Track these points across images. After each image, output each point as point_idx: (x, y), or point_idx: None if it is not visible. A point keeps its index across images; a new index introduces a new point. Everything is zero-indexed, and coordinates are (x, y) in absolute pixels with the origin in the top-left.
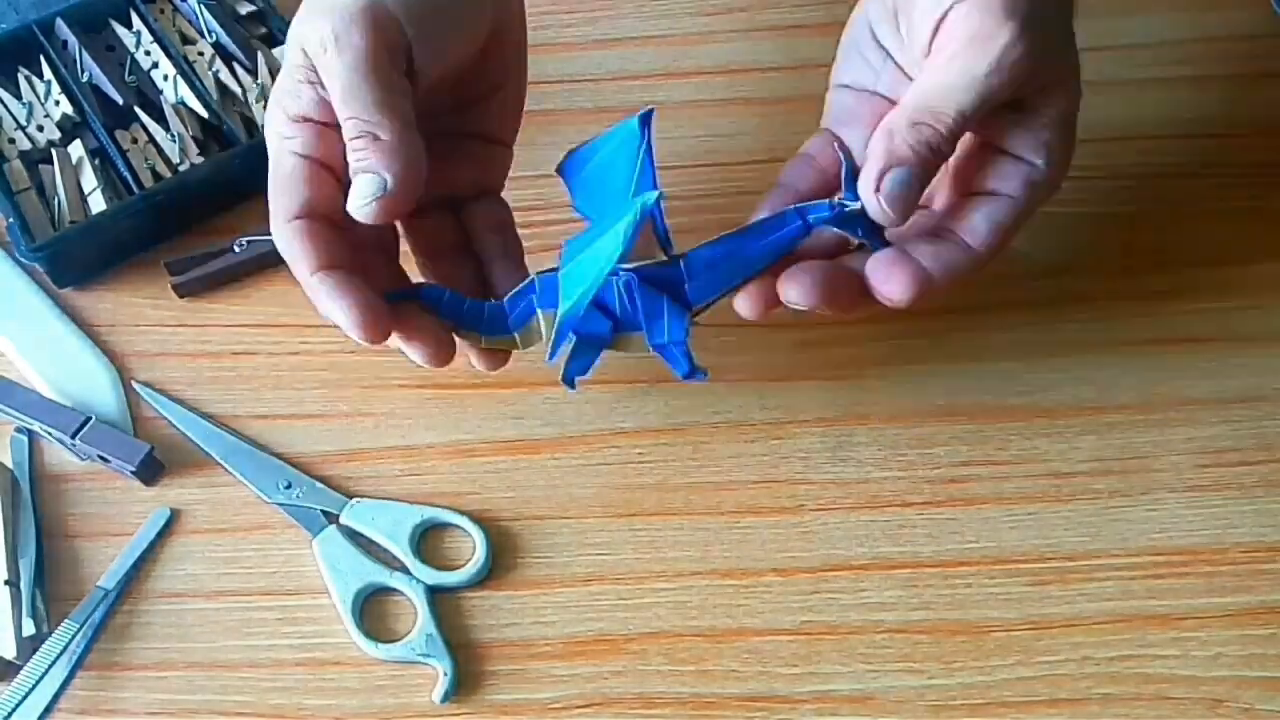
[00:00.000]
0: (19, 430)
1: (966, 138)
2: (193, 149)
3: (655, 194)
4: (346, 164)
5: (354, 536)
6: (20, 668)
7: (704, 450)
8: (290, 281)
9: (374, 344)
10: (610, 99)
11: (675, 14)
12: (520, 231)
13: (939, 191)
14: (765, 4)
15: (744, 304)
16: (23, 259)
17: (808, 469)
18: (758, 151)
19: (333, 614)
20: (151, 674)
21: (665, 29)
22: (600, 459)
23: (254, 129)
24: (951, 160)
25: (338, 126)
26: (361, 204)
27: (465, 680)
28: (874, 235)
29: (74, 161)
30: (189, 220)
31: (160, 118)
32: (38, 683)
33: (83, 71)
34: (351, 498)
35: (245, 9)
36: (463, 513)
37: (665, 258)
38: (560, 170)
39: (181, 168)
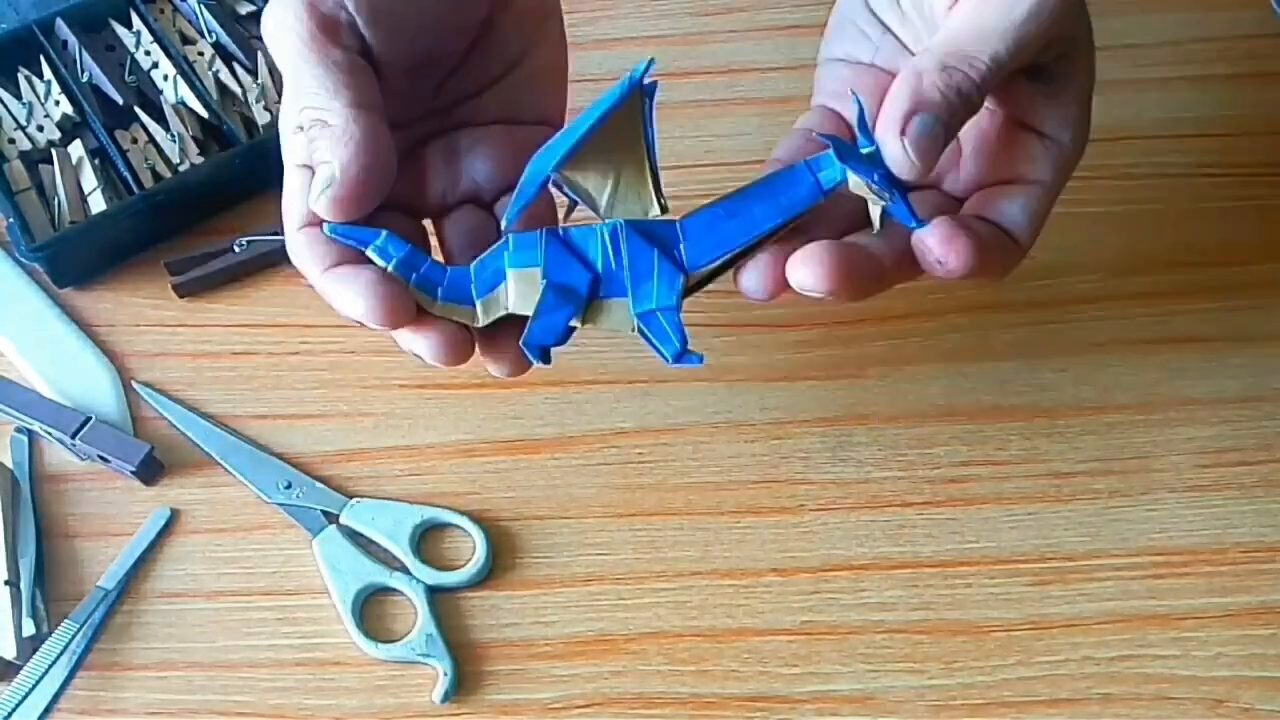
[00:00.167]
0: (19, 430)
1: (991, 116)
2: (193, 149)
3: (647, 61)
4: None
5: (354, 536)
6: (20, 668)
7: (704, 450)
8: (290, 281)
9: (397, 327)
10: None
11: (675, 14)
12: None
13: (949, 171)
14: (765, 4)
15: (752, 280)
16: (23, 259)
17: (808, 469)
18: (758, 151)
19: (333, 614)
20: (151, 674)
21: (665, 29)
22: (600, 459)
23: (254, 129)
24: (975, 140)
25: None
26: (313, 198)
27: (465, 680)
28: (891, 185)
29: (74, 161)
30: (189, 220)
31: (160, 118)
32: (38, 683)
33: (83, 71)
34: (351, 498)
35: (245, 9)
36: (463, 513)
37: (659, 214)
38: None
39: (181, 168)
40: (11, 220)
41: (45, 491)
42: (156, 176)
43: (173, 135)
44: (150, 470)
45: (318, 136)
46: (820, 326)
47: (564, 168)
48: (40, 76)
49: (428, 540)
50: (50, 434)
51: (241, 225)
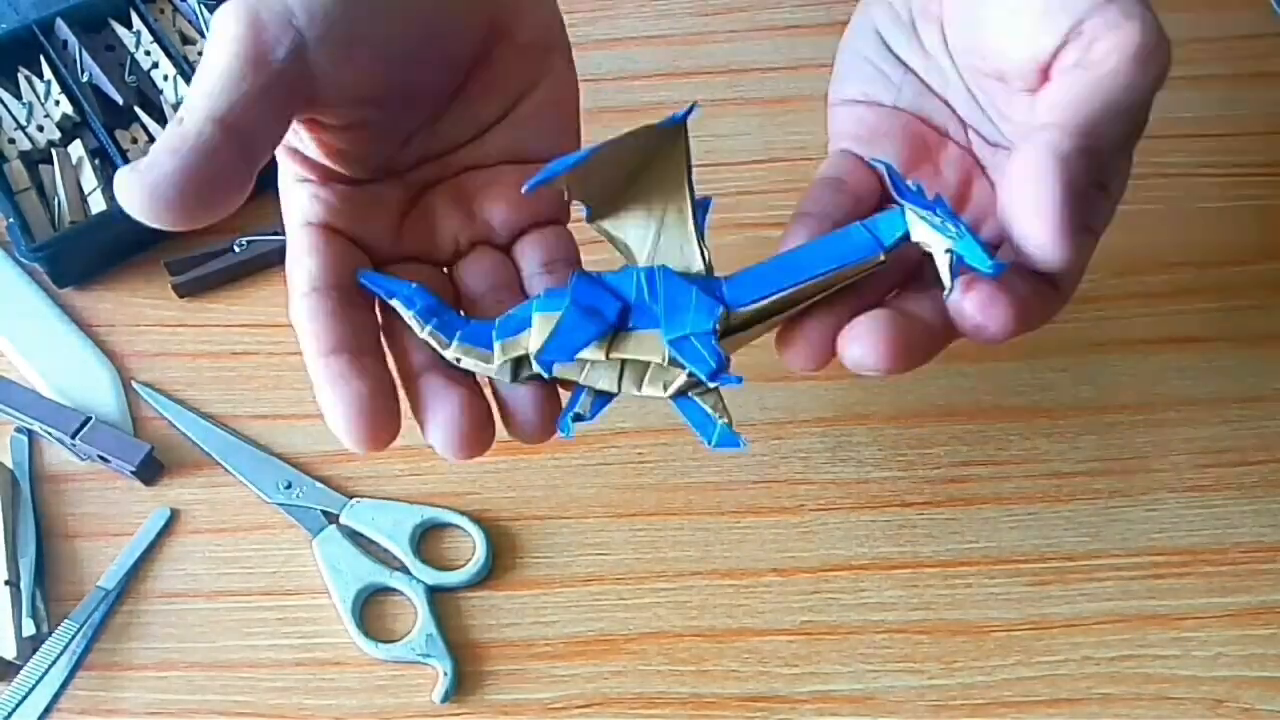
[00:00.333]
0: (19, 430)
1: None
2: None
3: (690, 108)
4: (356, 221)
5: (354, 536)
6: (20, 668)
7: (704, 450)
8: None
9: (376, 449)
10: (610, 99)
11: (675, 14)
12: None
13: (988, 218)
14: (765, 4)
15: (796, 354)
16: (23, 259)
17: (808, 469)
18: (758, 151)
19: (333, 614)
20: (151, 674)
21: (665, 29)
22: (600, 459)
23: None
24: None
25: (348, 182)
26: (128, 171)
27: (465, 680)
28: (957, 220)
29: (74, 161)
30: None
31: (160, 118)
32: (38, 683)
33: (83, 71)
34: (351, 498)
35: None
36: (463, 513)
37: (702, 269)
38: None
39: None
40: (11, 220)
41: (45, 491)
42: None
43: None
44: (150, 470)
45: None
46: None
47: (591, 160)
48: (40, 76)
49: (428, 540)
50: (50, 434)
51: (241, 225)
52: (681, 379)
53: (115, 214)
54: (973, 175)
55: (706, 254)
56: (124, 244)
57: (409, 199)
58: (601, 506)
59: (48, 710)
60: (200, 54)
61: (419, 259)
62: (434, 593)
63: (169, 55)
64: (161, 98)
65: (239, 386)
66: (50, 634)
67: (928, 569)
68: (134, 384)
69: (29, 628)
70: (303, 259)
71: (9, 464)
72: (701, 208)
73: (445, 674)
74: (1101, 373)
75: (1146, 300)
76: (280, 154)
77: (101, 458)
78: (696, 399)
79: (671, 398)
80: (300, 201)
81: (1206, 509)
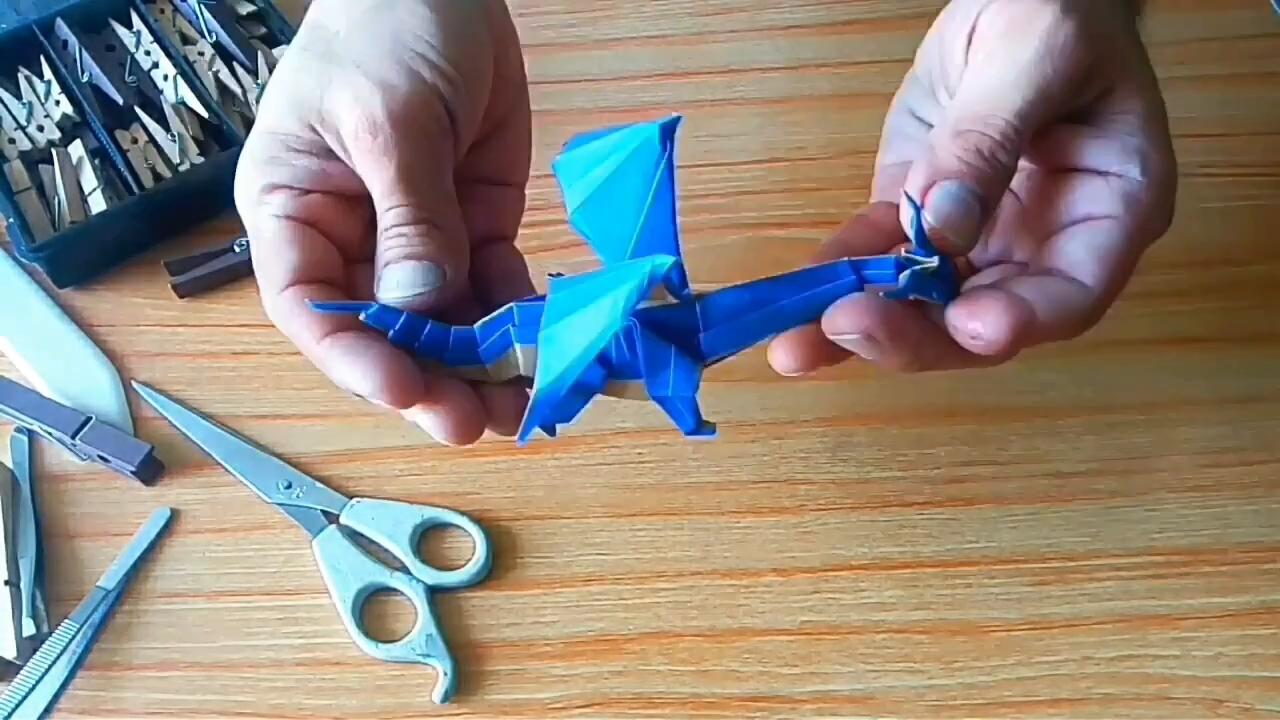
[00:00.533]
0: (19, 430)
1: (1035, 172)
2: (193, 149)
3: (670, 261)
4: (333, 221)
5: (354, 536)
6: (20, 668)
7: (704, 450)
8: None
9: (405, 408)
10: (610, 99)
11: (675, 14)
12: (521, 232)
13: (1020, 239)
14: (765, 4)
15: (782, 357)
16: (23, 259)
17: (808, 469)
18: (758, 151)
19: (333, 614)
20: (151, 674)
21: (665, 29)
22: (600, 459)
23: None
24: (1025, 201)
25: (327, 192)
26: (414, 293)
27: (465, 680)
28: (947, 296)
29: (74, 161)
30: (189, 220)
31: (160, 118)
32: (38, 683)
33: (83, 71)
34: (351, 498)
35: (245, 9)
36: (463, 513)
37: (677, 301)
38: (557, 168)
39: (181, 168)
40: (11, 220)
41: (45, 491)
42: (157, 176)
43: (173, 135)
44: (150, 470)
45: (424, 234)
46: None
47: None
48: (40, 76)
49: (428, 540)
50: (50, 434)
51: (241, 226)
52: None
53: (115, 214)
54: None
55: (682, 293)
56: (124, 244)
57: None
58: (601, 506)
59: (48, 710)
60: (200, 54)
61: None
62: (434, 593)
63: (169, 55)
64: (161, 98)
65: (239, 386)
66: (50, 634)
67: (928, 569)
68: (134, 384)
69: (29, 628)
70: (275, 254)
71: (9, 464)
72: (665, 132)
73: (445, 674)
74: (1101, 373)
75: (1146, 300)
76: (253, 167)
77: (101, 458)
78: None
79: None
80: (277, 199)
81: (1206, 509)
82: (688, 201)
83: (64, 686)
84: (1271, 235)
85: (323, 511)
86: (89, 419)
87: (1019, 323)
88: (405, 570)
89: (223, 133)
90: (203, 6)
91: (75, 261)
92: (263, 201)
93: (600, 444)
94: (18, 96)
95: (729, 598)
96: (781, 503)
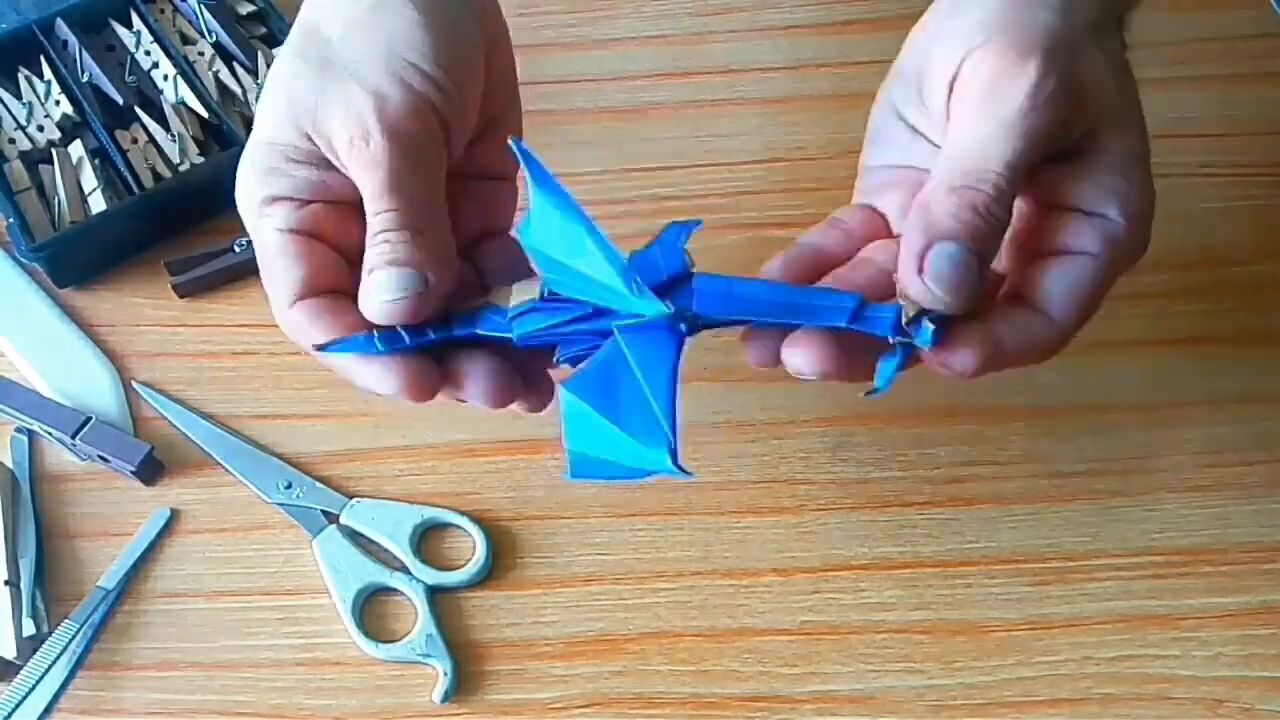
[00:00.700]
0: (19, 430)
1: (1024, 203)
2: (193, 149)
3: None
4: (335, 230)
5: (354, 536)
6: (20, 668)
7: (704, 450)
8: None
9: (424, 401)
10: (610, 99)
11: (675, 14)
12: (516, 231)
13: (1004, 254)
14: (765, 4)
15: (754, 354)
16: (23, 259)
17: (808, 469)
18: (757, 151)
19: (333, 614)
20: (151, 674)
21: (665, 29)
22: None
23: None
24: (1013, 224)
25: (328, 201)
26: (394, 298)
27: (465, 680)
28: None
29: (74, 161)
30: (189, 220)
31: (160, 118)
32: (38, 683)
33: (83, 71)
34: (351, 498)
35: (245, 9)
36: (463, 513)
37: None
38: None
39: (181, 168)
40: (11, 220)
41: (45, 491)
42: (157, 176)
43: (173, 135)
44: (150, 470)
45: (408, 241)
46: None
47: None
48: (40, 76)
49: (428, 540)
50: (50, 434)
51: (241, 225)
52: None
53: (115, 214)
54: None
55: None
56: (124, 244)
57: None
58: (601, 506)
59: (48, 710)
60: (200, 54)
61: None
62: (434, 593)
63: (169, 55)
64: (161, 98)
65: (239, 386)
66: (50, 634)
67: (928, 569)
68: (134, 384)
69: (29, 628)
70: (283, 268)
71: (9, 464)
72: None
73: (445, 674)
74: (1102, 373)
75: (1146, 300)
76: (254, 177)
77: (101, 458)
78: None
79: None
80: (279, 212)
81: (1206, 509)
82: (688, 201)
83: (64, 686)
84: (1272, 235)
85: (323, 511)
86: (89, 419)
87: (989, 357)
88: (405, 570)
89: (223, 133)
90: (203, 6)
91: (75, 261)
92: (264, 214)
93: None
94: (18, 96)
95: (729, 598)
96: (781, 503)
